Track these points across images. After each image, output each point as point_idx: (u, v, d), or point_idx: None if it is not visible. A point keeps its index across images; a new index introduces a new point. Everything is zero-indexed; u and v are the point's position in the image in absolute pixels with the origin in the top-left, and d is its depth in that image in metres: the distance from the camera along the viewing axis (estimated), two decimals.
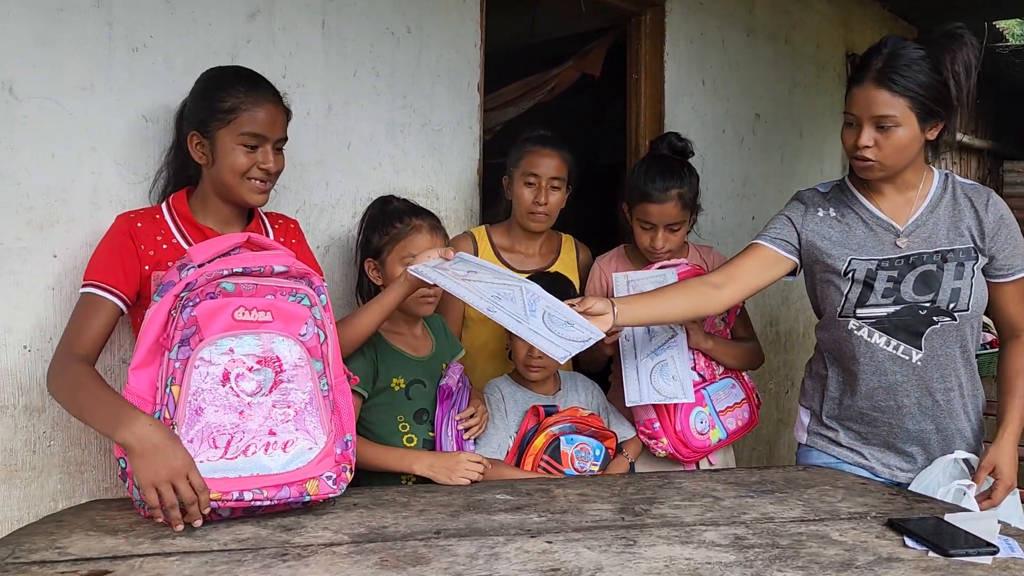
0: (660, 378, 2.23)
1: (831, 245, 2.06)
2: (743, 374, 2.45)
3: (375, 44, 2.46)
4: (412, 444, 2.05)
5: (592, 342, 1.87)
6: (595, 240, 2.79)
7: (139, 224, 1.84)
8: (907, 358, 2.02)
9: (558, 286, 2.31)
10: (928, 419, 2.05)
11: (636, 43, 3.48)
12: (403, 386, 2.07)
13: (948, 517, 1.59)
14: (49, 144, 1.84)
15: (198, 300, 1.63)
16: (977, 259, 1.99)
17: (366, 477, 2.01)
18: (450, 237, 2.54)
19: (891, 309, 2.00)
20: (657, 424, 2.27)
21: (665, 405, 2.24)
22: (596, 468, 2.15)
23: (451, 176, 2.68)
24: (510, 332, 2.26)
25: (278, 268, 1.72)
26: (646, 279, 2.31)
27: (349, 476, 1.78)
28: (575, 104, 4.25)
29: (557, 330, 1.88)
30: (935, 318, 1.99)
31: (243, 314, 1.66)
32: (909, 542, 1.51)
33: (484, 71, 2.78)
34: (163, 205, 1.91)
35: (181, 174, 1.98)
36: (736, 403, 2.38)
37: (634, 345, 2.26)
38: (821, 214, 2.10)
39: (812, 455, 2.19)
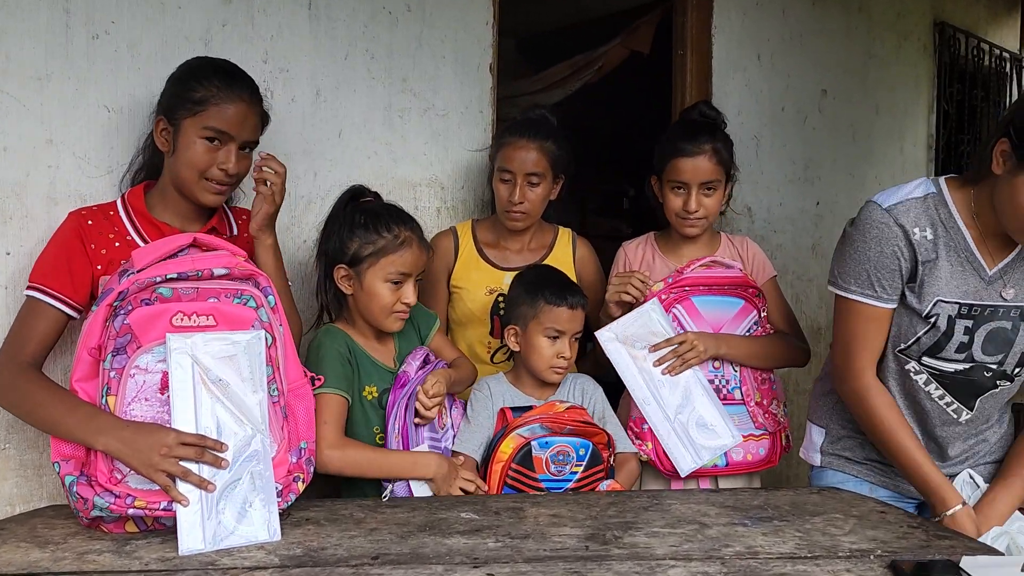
0: (699, 432, 2.06)
1: (919, 274, 1.72)
2: (775, 409, 2.17)
3: (369, 24, 2.31)
4: None
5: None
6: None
7: (90, 222, 1.76)
8: (955, 417, 1.82)
9: (549, 276, 2.12)
10: (962, 450, 1.85)
11: (681, 16, 3.22)
12: (375, 395, 1.91)
13: (965, 563, 1.33)
14: (1, 138, 1.77)
15: (131, 308, 1.55)
16: None
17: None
18: (451, 227, 2.40)
19: (960, 367, 1.76)
20: (647, 425, 2.07)
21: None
22: (579, 470, 1.94)
23: (458, 164, 2.51)
24: (499, 329, 2.12)
25: (218, 271, 1.62)
26: (632, 323, 2.09)
27: (300, 487, 1.66)
28: (624, 85, 4.00)
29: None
30: (998, 382, 1.77)
31: (181, 320, 1.57)
32: None
33: (498, 51, 2.60)
34: (118, 201, 1.83)
35: (151, 165, 1.90)
36: (752, 435, 2.12)
37: (660, 407, 2.07)
38: (918, 236, 1.70)
39: (827, 476, 1.95)
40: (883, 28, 3.92)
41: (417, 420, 1.90)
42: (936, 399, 1.81)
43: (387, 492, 1.85)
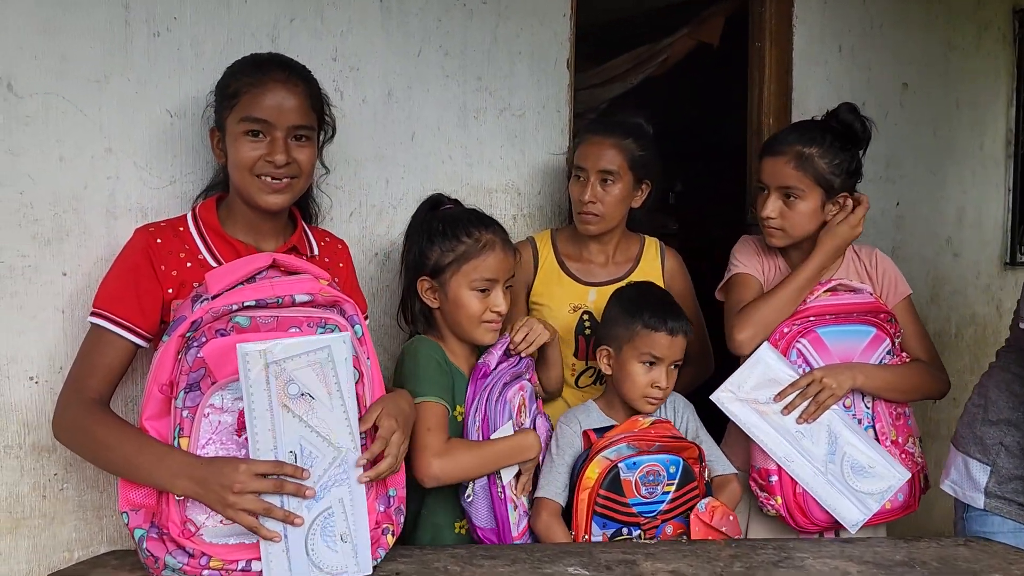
0: (857, 478, 1.86)
1: None
2: (912, 447, 1.97)
3: (443, 18, 2.13)
4: None
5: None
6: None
7: (159, 240, 1.59)
8: None
9: (651, 296, 1.94)
10: None
11: (759, 6, 3.01)
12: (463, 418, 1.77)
13: None
14: (56, 146, 1.61)
15: (205, 339, 1.39)
16: None
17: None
18: (524, 238, 2.22)
19: None
20: (775, 478, 1.86)
21: None
22: (672, 490, 1.79)
23: (535, 168, 2.32)
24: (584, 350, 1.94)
25: (300, 298, 1.46)
26: (748, 375, 1.89)
27: (389, 540, 1.49)
28: (690, 79, 3.80)
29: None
30: None
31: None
32: None
33: (575, 45, 2.41)
34: (188, 215, 1.65)
35: (219, 177, 1.73)
36: None
37: (807, 461, 1.87)
38: None
39: (992, 523, 1.75)
40: (962, 17, 3.70)
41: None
42: None
43: (469, 492, 1.72)
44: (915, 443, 1.96)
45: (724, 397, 1.90)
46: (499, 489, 1.73)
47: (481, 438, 1.74)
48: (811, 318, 1.91)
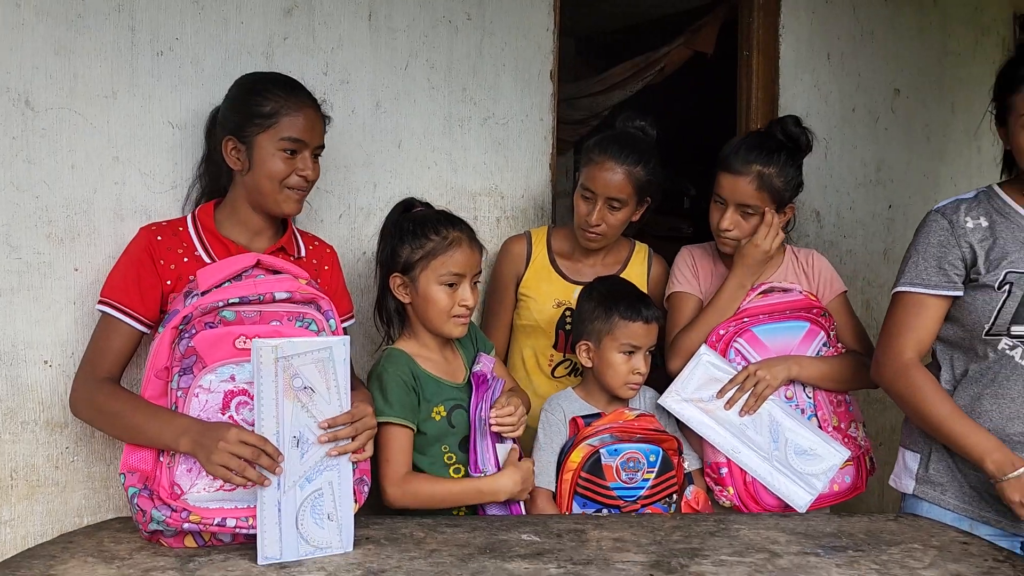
0: (801, 461, 1.98)
1: (981, 256, 1.80)
2: (855, 431, 2.08)
3: (429, 34, 2.29)
4: (459, 475, 1.86)
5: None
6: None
7: (159, 237, 1.78)
8: None
9: (621, 289, 2.07)
10: None
11: (747, 16, 3.13)
12: (444, 415, 1.87)
13: None
14: (69, 156, 1.81)
15: (195, 331, 1.59)
16: None
17: None
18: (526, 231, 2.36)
19: None
20: (724, 470, 1.99)
21: None
22: (651, 477, 1.91)
23: (518, 173, 2.47)
24: (563, 343, 2.07)
25: (279, 295, 1.65)
26: (690, 378, 2.01)
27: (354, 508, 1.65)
28: (686, 83, 3.92)
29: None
30: None
31: (244, 343, 1.61)
32: None
33: (559, 57, 2.55)
34: (188, 217, 1.84)
35: (215, 184, 1.91)
36: None
37: (753, 450, 1.98)
38: (971, 224, 1.82)
39: (921, 508, 1.85)
40: (959, 23, 3.76)
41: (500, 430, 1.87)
42: None
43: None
44: (858, 428, 2.06)
45: (671, 400, 2.02)
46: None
47: (490, 442, 1.84)
48: (745, 319, 2.04)
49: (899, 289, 1.88)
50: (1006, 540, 1.74)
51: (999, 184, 1.89)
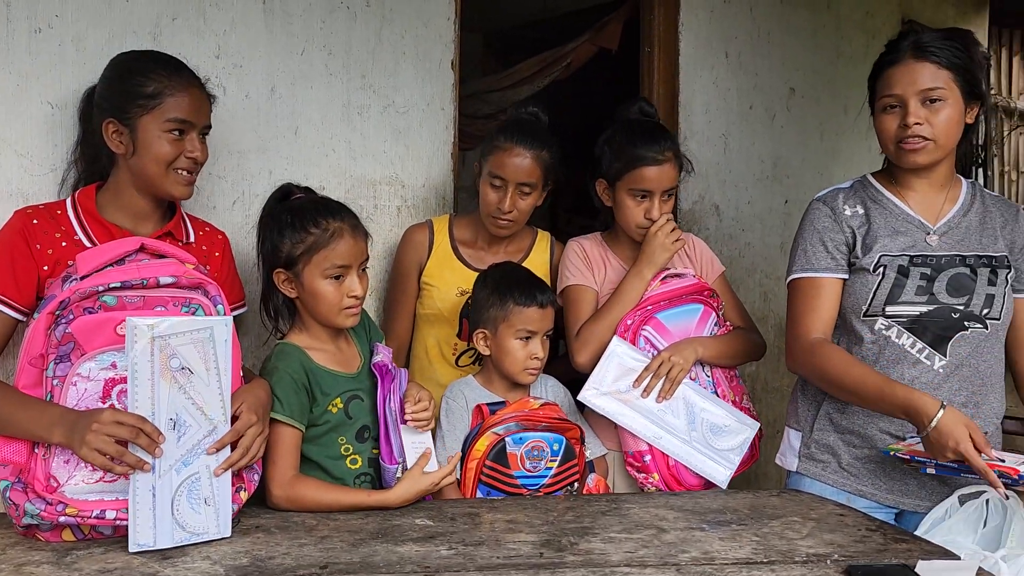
0: (717, 438, 2.04)
1: (859, 241, 1.90)
2: (747, 403, 2.16)
3: (327, 20, 2.26)
4: (356, 466, 1.83)
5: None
6: None
7: (35, 221, 1.71)
8: (929, 363, 1.81)
9: (515, 275, 2.08)
10: None
11: (648, 14, 3.19)
12: (341, 407, 1.83)
13: (920, 567, 1.31)
14: None
15: (72, 316, 1.52)
16: (1010, 268, 1.87)
17: None
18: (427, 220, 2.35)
19: (924, 308, 1.81)
20: (648, 457, 2.02)
21: None
22: (555, 465, 1.93)
23: (419, 161, 2.46)
24: (467, 332, 2.07)
25: (164, 279, 1.59)
26: (605, 371, 2.04)
27: (243, 497, 1.62)
28: (596, 80, 3.97)
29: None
30: (967, 323, 1.80)
31: (125, 329, 1.52)
32: None
33: (461, 47, 2.56)
34: (68, 200, 1.77)
35: (93, 167, 1.84)
36: None
37: (673, 434, 2.02)
38: (849, 212, 1.92)
39: (804, 484, 1.92)
40: (852, 26, 3.92)
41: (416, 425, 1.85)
42: (908, 348, 1.82)
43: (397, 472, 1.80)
44: (748, 399, 2.15)
45: (590, 395, 2.04)
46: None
47: (397, 432, 1.81)
48: (648, 307, 2.08)
49: (793, 277, 1.95)
50: (882, 511, 1.82)
51: (873, 174, 1.98)
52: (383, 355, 1.89)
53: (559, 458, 1.93)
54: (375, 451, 1.85)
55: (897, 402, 1.71)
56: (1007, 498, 1.62)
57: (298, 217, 1.79)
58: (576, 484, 1.99)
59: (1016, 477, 1.56)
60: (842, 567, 1.37)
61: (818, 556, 1.42)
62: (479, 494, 1.91)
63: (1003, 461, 1.60)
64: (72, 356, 1.52)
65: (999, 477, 1.58)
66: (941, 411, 1.65)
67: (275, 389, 1.74)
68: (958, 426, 1.63)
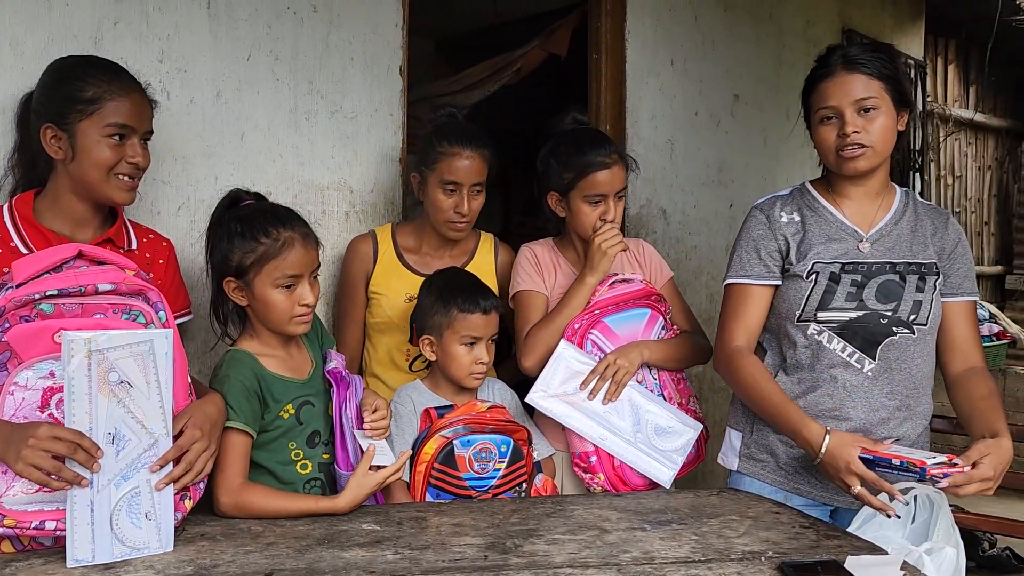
0: (660, 439, 2.07)
1: (793, 248, 1.95)
2: (694, 405, 2.20)
3: (273, 25, 2.26)
4: (306, 471, 1.83)
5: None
6: None
7: None
8: (859, 367, 1.87)
9: (459, 281, 2.10)
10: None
11: (596, 21, 3.24)
12: (293, 412, 1.82)
13: (849, 562, 1.36)
14: None
15: (8, 325, 1.50)
16: (938, 275, 1.92)
17: None
18: (362, 232, 2.36)
19: (854, 314, 1.87)
20: (594, 458, 2.05)
21: None
22: (503, 467, 1.95)
23: (367, 167, 2.47)
24: (416, 340, 2.08)
25: (103, 287, 1.57)
26: (553, 374, 2.06)
27: (188, 505, 1.60)
28: (546, 85, 4.01)
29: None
30: (895, 329, 1.86)
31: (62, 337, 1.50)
32: None
33: (408, 53, 2.57)
34: (4, 206, 1.75)
35: (30, 173, 1.82)
36: None
37: (618, 436, 2.05)
38: (784, 219, 1.98)
39: (744, 483, 1.97)
40: (793, 36, 4.02)
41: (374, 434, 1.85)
42: (839, 352, 1.88)
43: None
44: (695, 401, 2.20)
45: (537, 397, 2.06)
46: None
47: (357, 440, 1.81)
48: (596, 311, 2.11)
49: (727, 281, 2.02)
50: (817, 509, 1.88)
51: (811, 181, 2.04)
52: (336, 362, 1.90)
53: (507, 460, 1.96)
54: (325, 456, 1.85)
55: (790, 427, 1.83)
56: (896, 516, 1.68)
57: (248, 226, 1.77)
58: (524, 485, 2.02)
59: (922, 468, 1.61)
60: (775, 563, 1.41)
61: (753, 553, 1.47)
62: (428, 497, 1.93)
63: (911, 455, 1.66)
64: (9, 365, 1.50)
65: (908, 468, 1.63)
66: (827, 437, 1.75)
67: (227, 396, 1.73)
68: (845, 448, 1.72)
